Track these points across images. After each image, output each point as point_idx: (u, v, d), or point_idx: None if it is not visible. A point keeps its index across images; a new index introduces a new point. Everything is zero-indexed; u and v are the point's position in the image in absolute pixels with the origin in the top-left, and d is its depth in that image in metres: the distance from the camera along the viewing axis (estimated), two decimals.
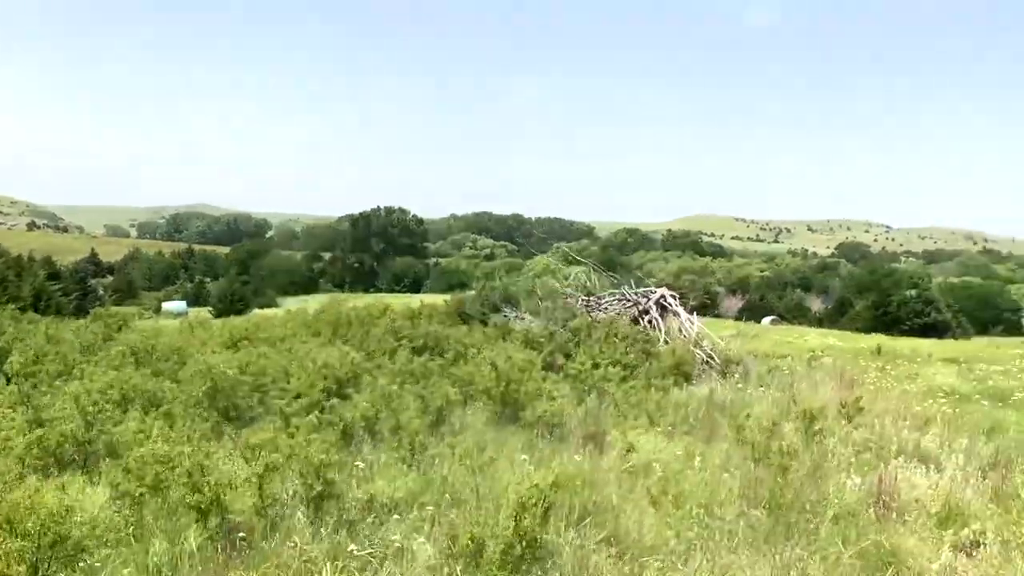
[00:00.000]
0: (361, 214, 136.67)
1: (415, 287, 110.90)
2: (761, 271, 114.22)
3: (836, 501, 6.42)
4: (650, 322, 17.51)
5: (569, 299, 18.07)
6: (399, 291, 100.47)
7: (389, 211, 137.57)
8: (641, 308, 17.95)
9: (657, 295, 18.14)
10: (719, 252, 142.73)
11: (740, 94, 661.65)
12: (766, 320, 69.53)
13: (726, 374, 14.91)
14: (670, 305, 17.93)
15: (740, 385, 13.47)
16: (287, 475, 6.98)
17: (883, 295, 76.13)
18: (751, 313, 79.00)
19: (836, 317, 78.67)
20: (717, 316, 73.42)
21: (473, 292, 19.42)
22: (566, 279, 19.70)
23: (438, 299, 23.95)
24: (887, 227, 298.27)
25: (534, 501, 5.62)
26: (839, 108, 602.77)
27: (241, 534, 5.79)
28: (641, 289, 18.71)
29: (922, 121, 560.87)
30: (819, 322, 73.88)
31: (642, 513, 6.71)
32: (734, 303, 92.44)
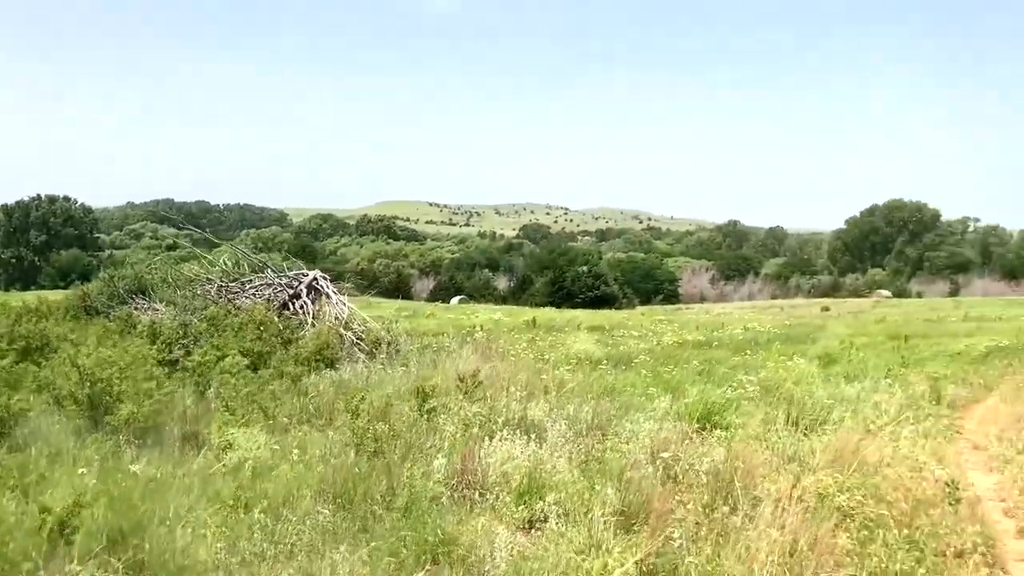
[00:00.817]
0: (18, 203, 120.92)
1: (84, 282, 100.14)
2: (452, 253, 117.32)
3: (411, 487, 5.95)
4: (302, 307, 16.59)
5: (208, 286, 16.60)
6: (64, 287, 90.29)
7: (51, 199, 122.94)
8: (292, 292, 16.96)
9: (309, 278, 17.24)
10: (413, 236, 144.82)
11: (429, 80, 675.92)
12: (455, 300, 71.50)
13: (374, 355, 14.41)
14: (323, 288, 17.11)
15: (381, 366, 13.01)
16: None
17: (559, 272, 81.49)
18: (442, 293, 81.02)
19: (519, 294, 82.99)
20: (410, 298, 74.25)
21: (99, 282, 17.18)
22: (212, 265, 18.15)
23: None
24: (566, 209, 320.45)
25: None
26: (520, 96, 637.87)
27: None
28: (293, 273, 17.68)
29: (593, 108, 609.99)
30: (503, 299, 77.43)
31: (203, 524, 5.83)
32: (426, 285, 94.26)
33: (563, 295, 72.29)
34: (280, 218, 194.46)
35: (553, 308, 50.55)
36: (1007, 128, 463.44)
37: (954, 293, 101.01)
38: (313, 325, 15.45)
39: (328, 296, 16.91)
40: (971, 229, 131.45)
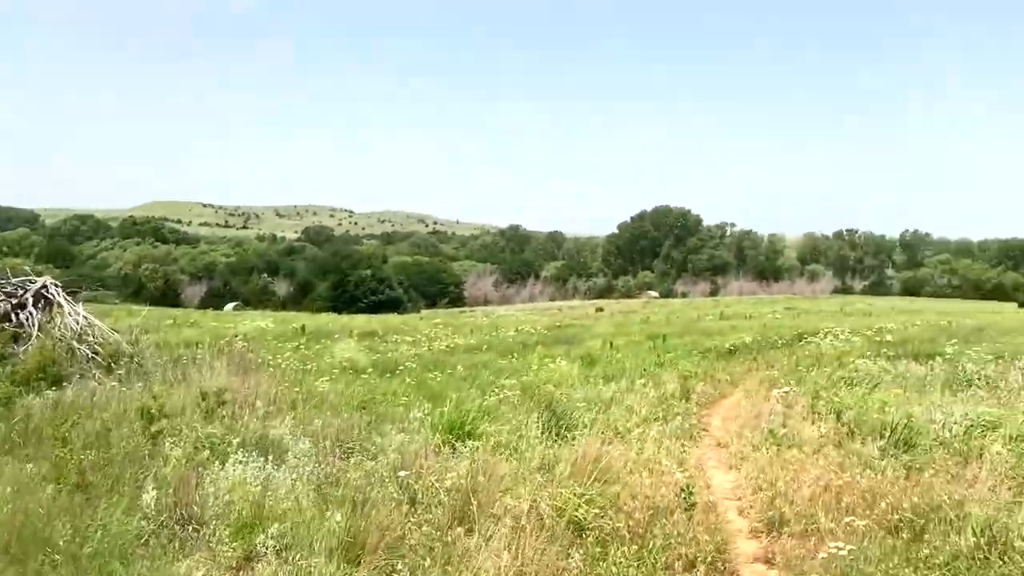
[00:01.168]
0: None
1: None
2: (227, 257, 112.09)
3: (105, 527, 5.13)
4: (27, 318, 14.71)
5: None
6: None
7: None
8: (17, 302, 15.00)
9: (38, 285, 15.32)
10: (183, 239, 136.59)
11: (202, 79, 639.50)
12: (229, 306, 67.91)
13: (111, 371, 13.00)
14: (54, 297, 15.28)
15: (117, 383, 11.71)
16: None
17: (343, 276, 79.94)
18: (216, 299, 76.85)
19: (300, 298, 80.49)
20: (179, 305, 69.77)
21: None
22: None
23: None
24: (350, 212, 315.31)
25: None
26: (298, 95, 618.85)
27: None
28: (17, 280, 15.67)
29: (376, 110, 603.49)
30: (283, 305, 74.76)
31: None
32: (198, 290, 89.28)
33: (346, 300, 71.01)
34: (31, 219, 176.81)
35: (334, 313, 49.25)
36: (760, 139, 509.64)
37: (714, 293, 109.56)
38: (39, 338, 13.73)
39: (60, 305, 15.13)
40: (728, 234, 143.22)
